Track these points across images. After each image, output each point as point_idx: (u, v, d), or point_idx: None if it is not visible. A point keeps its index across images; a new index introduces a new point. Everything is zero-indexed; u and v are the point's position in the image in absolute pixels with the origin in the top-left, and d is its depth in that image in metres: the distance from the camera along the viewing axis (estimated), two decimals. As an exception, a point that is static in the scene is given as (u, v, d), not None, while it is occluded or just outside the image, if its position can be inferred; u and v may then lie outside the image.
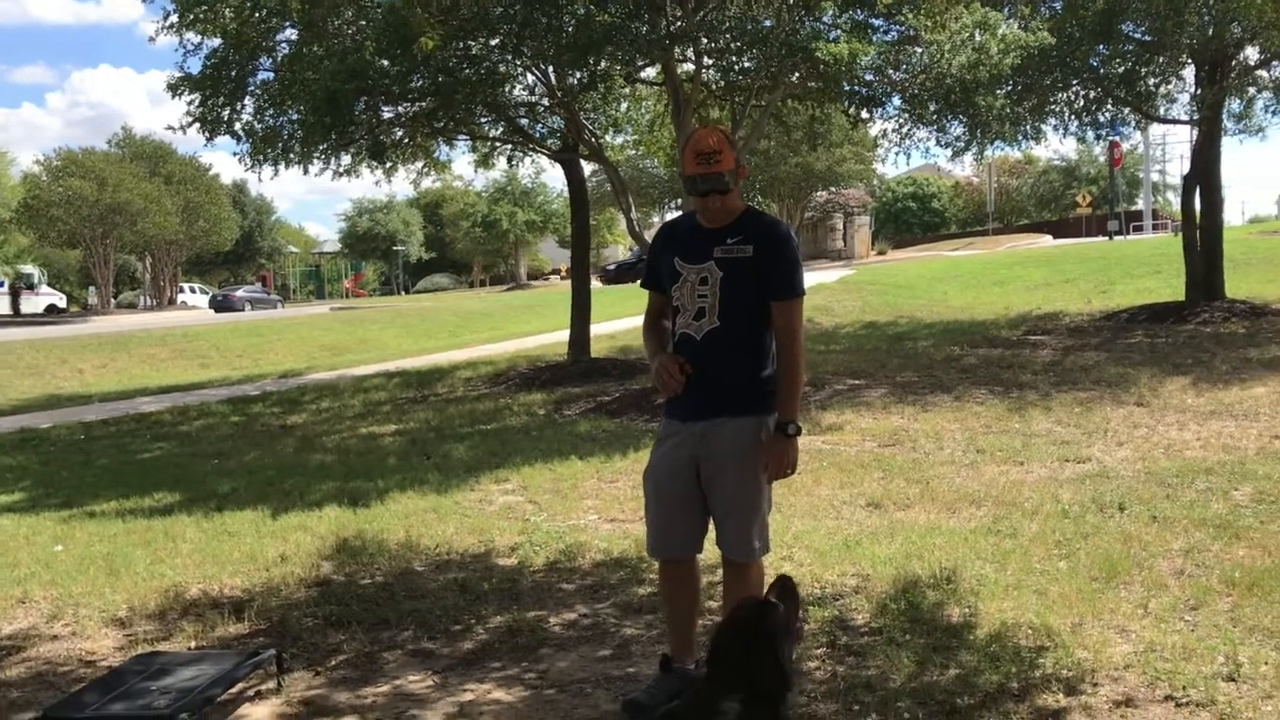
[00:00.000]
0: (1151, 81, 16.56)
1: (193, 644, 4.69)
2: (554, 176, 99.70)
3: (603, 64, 11.83)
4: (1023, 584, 4.77)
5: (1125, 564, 4.96)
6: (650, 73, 14.36)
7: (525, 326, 24.12)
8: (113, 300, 57.68)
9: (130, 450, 11.14)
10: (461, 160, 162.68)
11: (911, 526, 5.90)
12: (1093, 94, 16.68)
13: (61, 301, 54.72)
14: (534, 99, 14.93)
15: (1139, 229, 50.17)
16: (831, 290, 26.13)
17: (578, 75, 12.66)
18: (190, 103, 13.19)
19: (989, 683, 3.77)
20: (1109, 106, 17.00)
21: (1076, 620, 4.31)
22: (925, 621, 4.40)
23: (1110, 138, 26.21)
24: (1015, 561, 5.10)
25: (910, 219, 71.32)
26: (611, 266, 51.98)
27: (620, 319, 20.93)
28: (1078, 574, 4.88)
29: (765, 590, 3.20)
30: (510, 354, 17.88)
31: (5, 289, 51.31)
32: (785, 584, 3.20)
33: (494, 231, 60.52)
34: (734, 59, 12.82)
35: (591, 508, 6.95)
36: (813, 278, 30.16)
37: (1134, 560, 5.02)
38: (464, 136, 15.46)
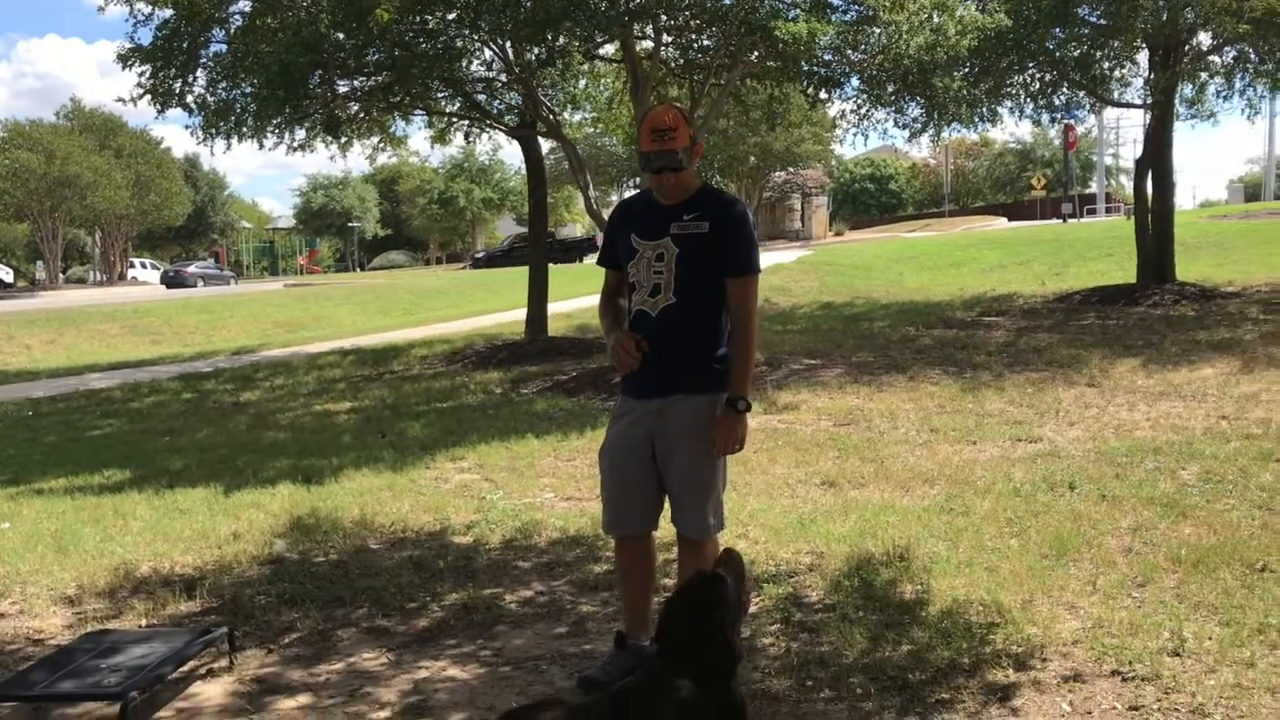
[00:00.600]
0: (1106, 65, 16.73)
1: (143, 622, 4.64)
2: (511, 153, 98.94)
3: (561, 40, 11.74)
4: (974, 561, 4.82)
5: (1075, 542, 5.03)
6: (609, 49, 14.30)
7: (482, 305, 23.99)
8: (61, 275, 56.77)
9: (79, 427, 10.97)
10: (418, 136, 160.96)
11: (866, 505, 5.95)
12: (1048, 77, 16.82)
13: (8, 276, 53.83)
14: (491, 75, 14.83)
15: (1092, 212, 50.75)
16: (789, 270, 26.22)
17: (535, 51, 12.55)
18: (141, 74, 12.95)
19: (940, 658, 3.81)
20: (1064, 90, 17.16)
21: (1027, 597, 4.37)
22: (878, 598, 4.44)
23: (1065, 121, 26.42)
24: (967, 539, 5.16)
25: (868, 200, 71.71)
26: (480, 254, 53.44)
27: (578, 298, 20.87)
28: (1028, 551, 4.94)
29: (713, 565, 3.21)
30: (467, 332, 17.79)
31: (-50, 263, 50.41)
32: (731, 557, 3.20)
33: (451, 208, 60.26)
34: (693, 36, 12.80)
35: (548, 486, 6.94)
36: (770, 258, 30.27)
37: (1083, 538, 5.09)
38: (420, 112, 15.31)
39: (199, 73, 13.24)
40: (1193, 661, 3.70)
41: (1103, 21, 15.74)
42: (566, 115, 16.70)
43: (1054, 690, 3.57)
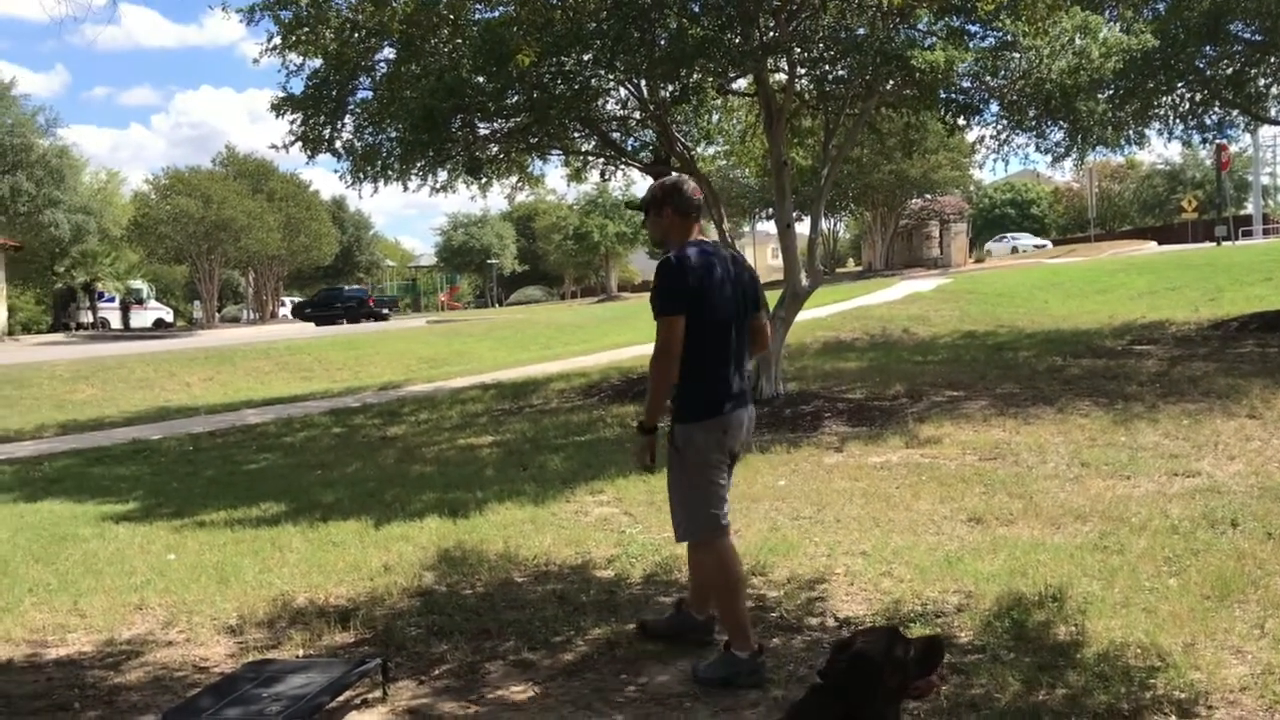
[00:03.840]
0: (1262, 82, 16.08)
1: (301, 652, 4.81)
2: (645, 187, 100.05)
3: (695, 76, 11.85)
4: (1131, 602, 4.65)
5: (1239, 582, 4.80)
6: (742, 83, 14.36)
7: (617, 338, 24.22)
8: (217, 314, 59.36)
9: (237, 461, 11.44)
10: (554, 174, 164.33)
11: (1015, 542, 5.79)
12: (1199, 96, 16.26)
13: (168, 316, 56.45)
14: (626, 112, 15.04)
15: (1248, 234, 48.55)
16: (928, 300, 25.78)
17: (670, 88, 12.70)
18: (293, 122, 13.55)
19: (1098, 703, 3.68)
20: (1216, 109, 16.55)
21: (1188, 640, 4.19)
22: (1031, 640, 4.32)
23: (1217, 141, 25.40)
24: (1123, 579, 4.97)
25: (1009, 225, 70.00)
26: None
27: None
28: (1189, 592, 4.74)
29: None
30: (603, 366, 17.98)
31: (116, 304, 53.18)
32: (932, 644, 3.17)
33: (585, 244, 61.03)
34: (828, 68, 12.75)
35: (687, 520, 6.93)
36: (908, 287, 29.86)
37: (1249, 579, 4.86)
38: (557, 151, 15.63)
39: (346, 119, 13.79)
40: (1375, 712, 3.50)
41: (1258, 37, 15.14)
42: (699, 149, 16.82)
43: (1222, 740, 3.42)
